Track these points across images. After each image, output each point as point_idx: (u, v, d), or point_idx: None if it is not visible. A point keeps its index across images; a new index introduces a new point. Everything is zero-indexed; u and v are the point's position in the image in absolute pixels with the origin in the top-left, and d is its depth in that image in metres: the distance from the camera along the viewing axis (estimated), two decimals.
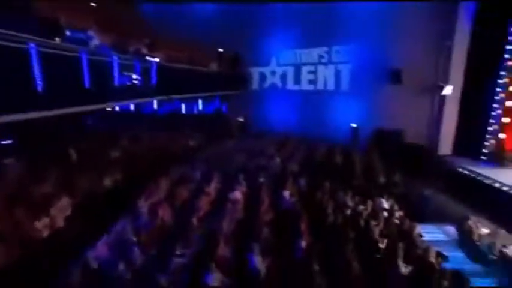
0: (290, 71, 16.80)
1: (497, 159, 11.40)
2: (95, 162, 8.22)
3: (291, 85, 16.81)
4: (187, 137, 13.47)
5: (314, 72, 16.28)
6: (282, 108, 16.57)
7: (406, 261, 4.87)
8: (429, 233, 7.20)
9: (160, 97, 10.54)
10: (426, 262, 4.98)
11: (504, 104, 11.18)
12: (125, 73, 8.26)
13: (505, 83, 11.23)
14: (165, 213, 6.26)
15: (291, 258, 5.07)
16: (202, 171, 9.22)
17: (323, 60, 16.09)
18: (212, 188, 8.31)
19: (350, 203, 7.42)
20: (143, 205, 6.37)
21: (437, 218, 7.93)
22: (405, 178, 10.47)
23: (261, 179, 8.44)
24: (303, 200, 7.29)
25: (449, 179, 11.34)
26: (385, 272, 4.78)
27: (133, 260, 4.83)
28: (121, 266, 4.50)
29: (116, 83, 7.82)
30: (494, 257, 5.68)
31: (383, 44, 13.41)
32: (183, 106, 16.96)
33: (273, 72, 17.18)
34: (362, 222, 6.40)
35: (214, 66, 14.64)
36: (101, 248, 4.94)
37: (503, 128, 11.30)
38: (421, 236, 6.00)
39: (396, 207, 7.04)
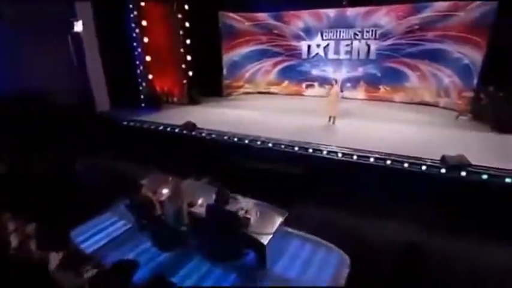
0: None
1: (154, 102, 10.38)
2: None
3: None
4: None
5: None
6: None
7: None
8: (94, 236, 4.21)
9: None
10: None
11: (142, 41, 9.85)
12: None
13: (135, 16, 9.75)
14: None
15: None
16: None
17: None
18: None
19: None
20: None
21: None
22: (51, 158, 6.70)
23: None
24: None
25: (117, 139, 8.95)
26: None
27: None
28: None
29: None
30: (185, 228, 3.69)
31: None
32: None
33: None
34: None
35: None
36: None
37: (148, 67, 10.17)
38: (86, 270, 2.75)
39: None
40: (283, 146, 6.79)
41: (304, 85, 12.25)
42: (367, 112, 9.72)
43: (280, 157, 6.76)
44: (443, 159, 5.57)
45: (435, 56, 9.78)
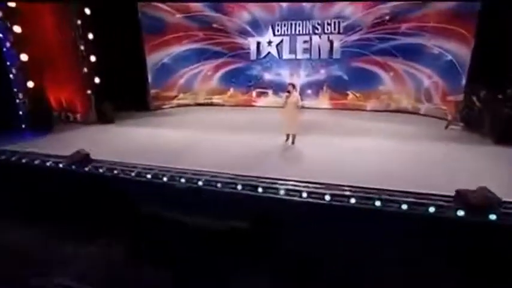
0: None
1: (40, 122, 7.81)
2: None
3: None
4: None
5: None
6: None
7: None
8: None
9: None
10: None
11: (12, 31, 7.29)
12: None
13: None
14: None
15: None
16: None
17: None
18: None
19: None
20: None
21: None
22: None
23: None
24: None
25: None
26: None
27: None
28: None
29: None
30: None
31: None
32: None
33: None
34: None
35: None
36: None
37: (27, 71, 7.59)
38: None
39: None
40: (219, 185, 4.72)
41: (254, 93, 10.55)
42: (335, 126, 8.18)
43: (215, 202, 4.70)
44: (459, 196, 3.95)
45: (411, 53, 8.70)
